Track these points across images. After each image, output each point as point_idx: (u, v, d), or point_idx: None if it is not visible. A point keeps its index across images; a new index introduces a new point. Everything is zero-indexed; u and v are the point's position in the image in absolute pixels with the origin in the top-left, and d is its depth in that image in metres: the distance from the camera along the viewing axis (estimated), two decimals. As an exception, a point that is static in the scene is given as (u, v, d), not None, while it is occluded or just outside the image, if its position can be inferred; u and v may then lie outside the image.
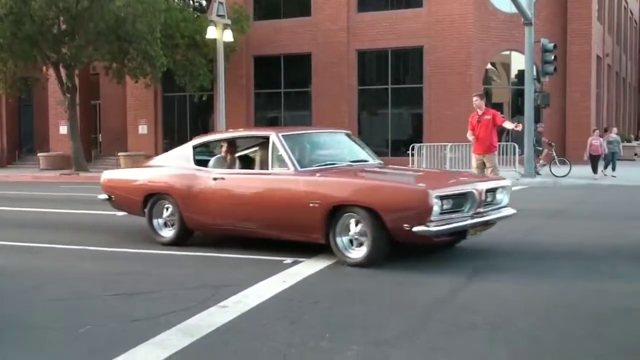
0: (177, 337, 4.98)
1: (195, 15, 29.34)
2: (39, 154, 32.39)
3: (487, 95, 26.81)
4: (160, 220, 9.20)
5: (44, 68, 29.19)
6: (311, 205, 7.51)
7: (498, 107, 26.60)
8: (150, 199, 9.22)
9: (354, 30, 28.30)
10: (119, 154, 30.53)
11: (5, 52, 25.79)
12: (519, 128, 13.37)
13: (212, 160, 9.22)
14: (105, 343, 4.94)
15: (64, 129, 31.18)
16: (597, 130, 22.83)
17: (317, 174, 7.88)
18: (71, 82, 27.48)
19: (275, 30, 29.28)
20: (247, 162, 9.28)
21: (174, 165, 9.29)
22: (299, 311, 5.70)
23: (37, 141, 35.14)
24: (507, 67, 29.19)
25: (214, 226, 8.70)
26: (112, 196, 9.93)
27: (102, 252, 8.84)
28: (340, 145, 9.29)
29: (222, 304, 5.87)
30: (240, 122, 29.32)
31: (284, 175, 8.00)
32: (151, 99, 31.66)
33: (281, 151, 8.09)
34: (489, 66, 28.51)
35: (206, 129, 32.21)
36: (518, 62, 26.74)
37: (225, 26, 24.42)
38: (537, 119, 23.39)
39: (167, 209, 9.11)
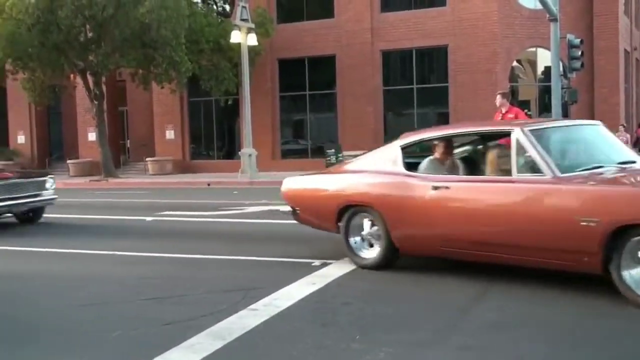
0: (208, 340, 4.99)
1: (219, 20, 29.47)
2: (68, 161, 32.74)
3: (513, 93, 26.65)
4: (359, 239, 7.52)
5: (72, 76, 29.50)
6: (583, 224, 5.69)
7: (525, 104, 26.42)
8: (346, 212, 7.54)
9: (377, 30, 28.23)
10: (147, 159, 30.80)
11: (34, 61, 26.12)
12: None
13: (424, 163, 7.43)
14: (136, 347, 4.97)
15: (92, 136, 31.49)
16: (624, 126, 22.45)
17: (587, 182, 6.04)
18: (98, 89, 27.75)
19: (298, 32, 29.31)
20: (473, 166, 7.47)
21: (376, 170, 7.54)
22: (330, 313, 5.69)
23: (67, 148, 35.53)
24: (533, 64, 28.91)
25: (437, 248, 6.92)
26: (297, 209, 8.28)
27: (133, 256, 8.90)
28: (598, 141, 7.26)
29: (252, 306, 5.88)
30: (266, 125, 29.41)
31: (537, 184, 6.20)
32: (177, 104, 31.86)
33: (531, 152, 6.33)
34: (514, 63, 28.26)
35: (232, 134, 32.35)
36: (544, 58, 26.46)
37: (249, 30, 24.52)
38: (565, 116, 23.13)
39: (368, 225, 7.41)
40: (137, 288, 6.91)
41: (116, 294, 6.69)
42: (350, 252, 7.54)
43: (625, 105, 30.18)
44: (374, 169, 7.60)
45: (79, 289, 7.03)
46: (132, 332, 5.34)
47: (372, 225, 7.34)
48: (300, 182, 8.46)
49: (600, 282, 5.88)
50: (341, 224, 7.58)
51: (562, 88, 21.62)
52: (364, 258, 7.41)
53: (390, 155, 7.55)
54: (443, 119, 28.19)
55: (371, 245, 7.42)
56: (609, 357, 4.53)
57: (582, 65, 22.17)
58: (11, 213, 12.46)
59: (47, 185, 12.67)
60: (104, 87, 28.53)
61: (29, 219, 13.02)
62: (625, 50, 30.34)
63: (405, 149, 7.47)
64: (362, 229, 7.43)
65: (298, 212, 8.26)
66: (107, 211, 15.10)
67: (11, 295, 6.98)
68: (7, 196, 11.79)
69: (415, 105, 28.37)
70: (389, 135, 28.65)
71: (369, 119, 28.16)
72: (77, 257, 9.13)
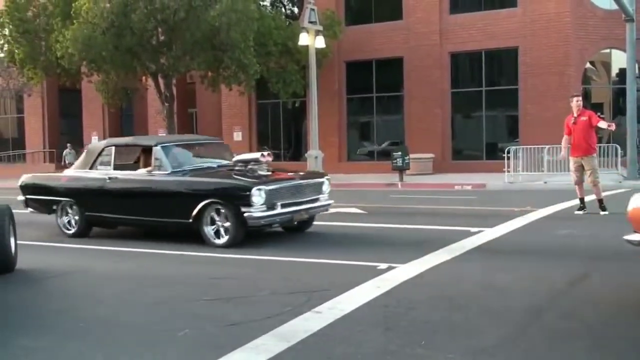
0: (273, 342, 5.02)
1: (288, 23, 29.65)
2: (139, 162, 33.43)
3: (586, 96, 25.99)
4: None
5: (144, 78, 30.16)
6: None
7: (598, 107, 25.69)
8: None
9: (446, 32, 27.93)
10: (215, 160, 31.19)
11: (108, 64, 26.78)
12: (612, 127, 12.84)
13: None
14: (202, 347, 5.04)
15: (162, 137, 32.13)
16: None
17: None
18: (169, 92, 28.29)
19: (366, 34, 29.23)
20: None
21: None
22: (394, 317, 5.64)
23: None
24: (607, 65, 28.11)
25: None
26: None
27: (200, 257, 9.04)
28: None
29: (316, 309, 5.88)
30: (333, 127, 29.44)
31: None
32: (245, 106, 32.21)
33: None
34: (587, 65, 27.54)
35: (299, 135, 32.51)
36: (619, 60, 25.70)
37: (317, 32, 24.58)
38: (640, 120, 22.44)
39: None
40: (204, 288, 7.01)
41: (184, 294, 6.79)
42: None
43: None
44: None
45: (148, 289, 7.17)
46: (198, 331, 5.41)
47: None
48: None
49: None
50: None
51: (638, 90, 21.00)
52: None
53: None
54: (512, 122, 27.73)
55: None
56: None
57: (658, 67, 21.49)
58: (292, 222, 10.26)
59: (324, 188, 10.65)
60: (174, 89, 29.05)
61: (296, 227, 10.80)
62: None
63: None
64: None
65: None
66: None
67: (79, 291, 7.18)
68: (290, 201, 9.85)
69: (484, 108, 27.95)
70: (457, 139, 28.40)
71: (436, 121, 27.88)
72: (143, 256, 9.33)
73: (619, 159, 21.54)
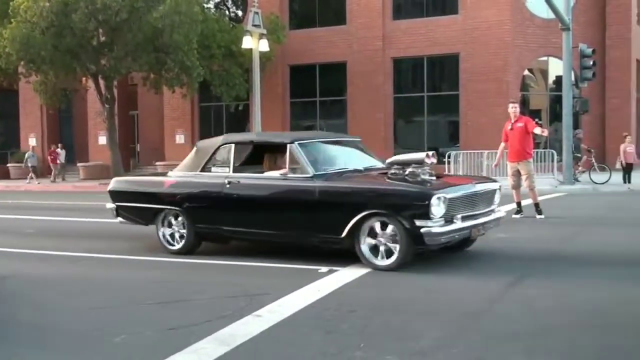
0: (213, 346, 4.99)
1: (231, 26, 29.56)
2: (78, 164, 32.86)
3: (524, 102, 26.56)
4: None
5: (84, 79, 29.63)
6: None
7: (536, 113, 26.29)
8: None
9: (389, 38, 28.22)
10: (157, 163, 30.86)
11: (47, 64, 26.24)
12: (546, 133, 13.30)
13: None
14: (141, 352, 4.98)
15: (102, 140, 31.61)
16: (629, 136, 21.97)
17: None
18: (110, 93, 27.88)
19: (310, 39, 29.34)
20: None
21: None
22: (335, 320, 5.67)
23: (77, 151, 35.66)
24: (544, 73, 28.82)
25: None
26: None
27: (140, 261, 8.93)
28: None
29: (257, 313, 5.87)
30: (276, 130, 29.37)
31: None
32: (188, 109, 31.95)
33: None
34: (526, 72, 28.19)
35: (242, 138, 32.33)
36: (556, 68, 26.37)
37: (261, 36, 24.55)
38: (576, 126, 23.03)
39: None
40: (142, 292, 6.92)
41: (122, 298, 6.70)
42: None
43: (637, 115, 30.01)
44: None
45: (84, 294, 7.05)
46: (136, 336, 5.35)
47: None
48: None
49: (617, 297, 5.81)
50: None
51: (574, 98, 21.55)
52: None
53: None
54: (453, 127, 28.18)
55: None
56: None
57: (593, 75, 22.11)
58: (469, 239, 8.45)
59: (497, 196, 8.64)
60: (115, 91, 28.65)
61: (457, 245, 8.54)
62: (638, 60, 30.18)
63: None
64: None
65: None
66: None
67: (18, 296, 7.01)
68: (469, 213, 7.92)
69: (426, 113, 28.33)
70: (399, 143, 28.70)
71: (379, 126, 28.14)
72: (80, 260, 9.16)
73: (555, 164, 22.11)
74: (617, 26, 27.67)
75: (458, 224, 7.59)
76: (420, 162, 8.11)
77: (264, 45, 24.61)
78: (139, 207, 9.66)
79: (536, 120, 14.17)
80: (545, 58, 27.69)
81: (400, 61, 28.71)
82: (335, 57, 29.06)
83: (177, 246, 9.17)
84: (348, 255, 7.80)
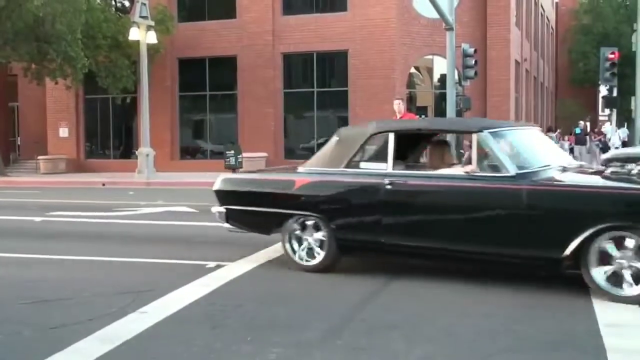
0: (96, 344, 4.88)
1: (118, 16, 28.80)
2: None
3: (411, 99, 27.32)
4: None
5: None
6: None
7: (422, 110, 27.09)
8: None
9: (279, 33, 28.30)
10: (39, 157, 29.72)
11: None
12: None
13: None
14: (18, 353, 4.80)
15: (-21, 132, 30.15)
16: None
17: None
18: (-13, 84, 26.62)
19: (200, 32, 28.99)
20: None
21: None
22: (221, 315, 5.66)
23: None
24: (430, 71, 29.70)
25: None
26: None
27: (18, 258, 8.57)
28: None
29: (142, 309, 5.78)
30: (165, 124, 28.92)
31: None
32: (72, 101, 30.89)
33: None
34: (412, 70, 28.96)
35: (130, 132, 31.66)
36: (440, 66, 27.23)
37: (149, 27, 24.08)
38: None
39: None
40: (22, 291, 6.65)
41: (-1, 297, 6.44)
42: None
43: (515, 113, 31.45)
44: None
45: (-42, 292, 6.73)
46: (14, 336, 5.15)
47: None
48: None
49: (490, 286, 6.09)
50: None
51: (457, 95, 22.32)
52: None
53: None
54: (342, 123, 28.56)
55: None
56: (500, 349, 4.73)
57: (475, 73, 22.98)
58: None
59: None
60: (-7, 82, 27.38)
61: None
62: (516, 60, 31.62)
63: None
64: None
65: None
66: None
67: None
68: None
69: (316, 108, 28.60)
70: (289, 138, 28.84)
71: (269, 121, 28.19)
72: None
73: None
74: (497, 27, 28.84)
75: None
76: None
77: (151, 37, 24.15)
78: (259, 212, 7.72)
79: (423, 116, 14.61)
80: (430, 57, 28.52)
81: (290, 56, 28.84)
82: (224, 51, 28.85)
83: (314, 262, 7.25)
84: (237, 250, 7.80)
